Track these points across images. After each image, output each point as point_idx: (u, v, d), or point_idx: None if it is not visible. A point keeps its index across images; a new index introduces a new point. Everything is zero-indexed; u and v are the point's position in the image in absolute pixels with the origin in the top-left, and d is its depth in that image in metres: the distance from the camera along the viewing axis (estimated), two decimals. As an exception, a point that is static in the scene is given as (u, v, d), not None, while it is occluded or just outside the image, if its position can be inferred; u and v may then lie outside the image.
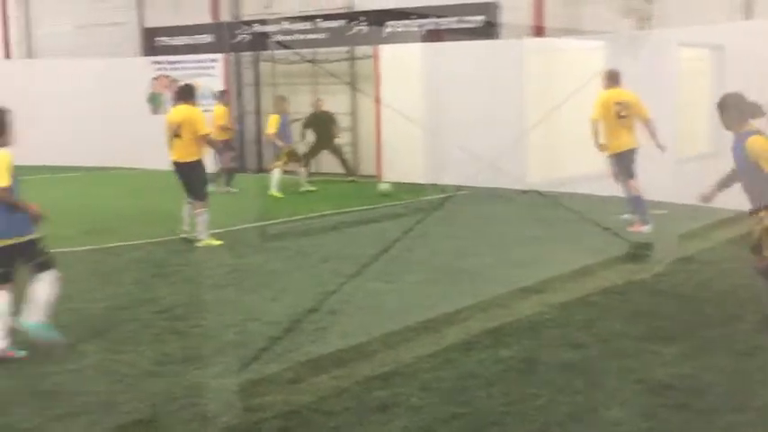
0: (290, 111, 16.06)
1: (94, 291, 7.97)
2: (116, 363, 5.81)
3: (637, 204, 10.69)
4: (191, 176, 10.24)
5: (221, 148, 14.12)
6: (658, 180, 12.07)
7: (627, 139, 10.83)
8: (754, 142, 6.42)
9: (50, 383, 5.43)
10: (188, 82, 11.57)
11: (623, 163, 10.82)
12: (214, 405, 5.11)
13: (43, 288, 6.17)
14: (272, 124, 15.50)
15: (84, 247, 10.09)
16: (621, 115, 10.74)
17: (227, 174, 15.68)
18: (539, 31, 15.69)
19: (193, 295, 7.81)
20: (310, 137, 16.94)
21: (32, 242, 6.28)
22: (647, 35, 13.87)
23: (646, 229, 10.38)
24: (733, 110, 6.62)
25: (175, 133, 10.20)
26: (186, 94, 10.49)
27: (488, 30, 15.82)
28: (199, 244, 10.08)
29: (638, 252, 9.20)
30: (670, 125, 11.93)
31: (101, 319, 6.94)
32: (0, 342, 5.98)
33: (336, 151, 17.15)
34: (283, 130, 15.49)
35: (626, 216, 10.91)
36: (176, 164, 10.27)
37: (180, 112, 10.32)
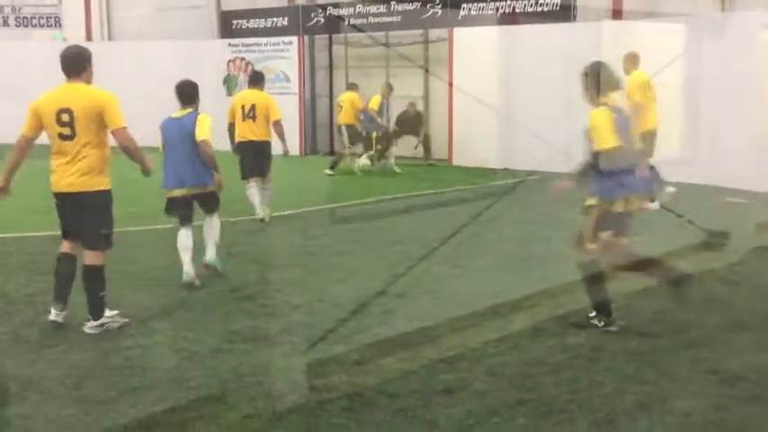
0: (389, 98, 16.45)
1: (166, 269, 8.11)
2: (185, 340, 5.92)
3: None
4: (265, 154, 10.56)
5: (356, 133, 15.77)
6: (739, 168, 11.76)
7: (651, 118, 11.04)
8: (595, 115, 6.10)
9: (122, 358, 5.56)
10: (258, 69, 11.96)
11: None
12: (280, 384, 5.17)
13: (214, 226, 7.92)
14: (374, 102, 15.99)
15: (159, 226, 10.28)
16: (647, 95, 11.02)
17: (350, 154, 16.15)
18: (616, 13, 15.36)
19: (262, 275, 7.91)
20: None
21: (212, 192, 7.78)
22: (730, 17, 13.47)
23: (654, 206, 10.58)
24: (593, 80, 6.34)
25: (248, 115, 10.48)
26: (257, 79, 11.09)
27: (565, 13, 15.55)
28: (257, 216, 10.41)
29: (714, 241, 8.95)
30: (752, 110, 11.59)
31: (171, 297, 7.07)
32: (188, 267, 7.41)
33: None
34: (380, 113, 16.08)
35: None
36: (251, 143, 10.50)
37: (253, 95, 10.70)
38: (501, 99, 15.30)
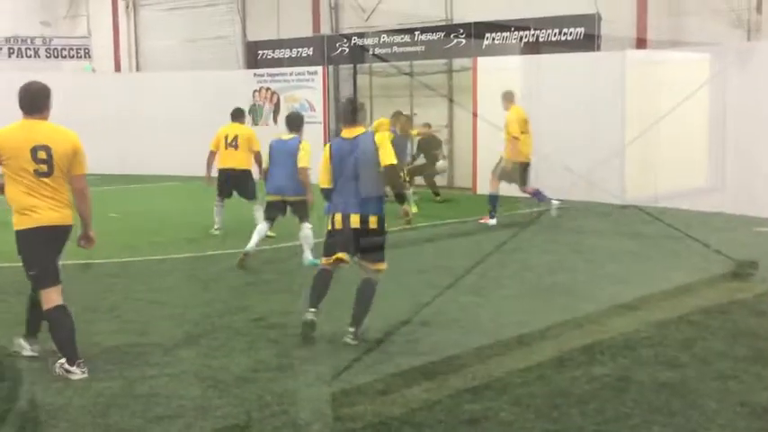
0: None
1: (192, 297, 8.17)
2: (211, 368, 5.93)
3: (493, 201, 12.86)
4: (243, 181, 11.85)
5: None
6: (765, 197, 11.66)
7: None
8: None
9: (148, 387, 5.58)
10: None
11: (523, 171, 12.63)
12: (305, 413, 5.17)
13: (307, 233, 9.53)
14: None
15: (183, 255, 10.37)
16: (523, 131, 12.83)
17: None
18: (641, 43, 15.37)
19: (286, 304, 7.93)
20: (420, 159, 16.87)
21: (303, 201, 9.47)
22: (756, 47, 13.43)
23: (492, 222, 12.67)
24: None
25: (231, 144, 11.85)
26: (238, 115, 12.41)
27: (588, 42, 15.58)
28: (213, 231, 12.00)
29: (742, 271, 8.85)
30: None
31: (197, 326, 7.10)
32: (308, 253, 9.48)
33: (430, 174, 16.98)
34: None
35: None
36: (232, 170, 11.78)
37: (236, 128, 12.09)
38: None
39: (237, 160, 11.76)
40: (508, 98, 13.20)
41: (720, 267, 8.94)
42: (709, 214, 12.93)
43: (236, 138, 11.79)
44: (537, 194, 13.07)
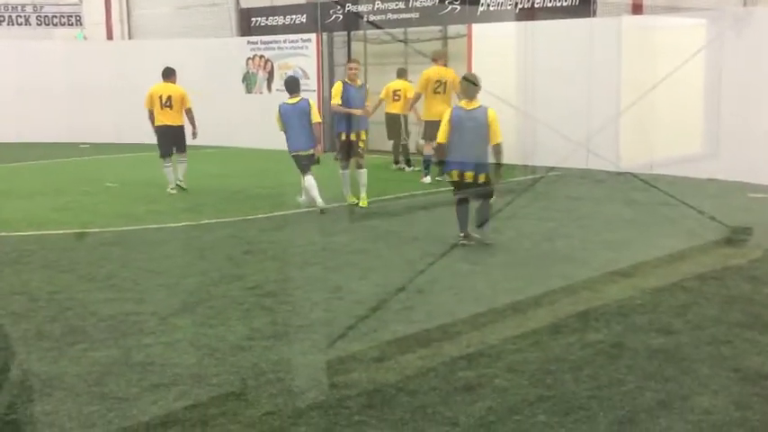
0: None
1: (188, 266, 8.18)
2: (206, 336, 5.95)
3: (427, 162, 13.81)
4: (179, 136, 13.25)
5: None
6: (762, 164, 11.65)
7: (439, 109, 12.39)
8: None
9: (143, 355, 5.60)
10: (170, 66, 13.62)
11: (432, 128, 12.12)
12: (300, 381, 5.19)
13: (311, 182, 10.80)
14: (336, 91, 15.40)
15: (180, 224, 10.36)
16: (437, 90, 13.84)
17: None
18: (636, 8, 15.26)
19: (282, 272, 7.95)
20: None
21: (313, 155, 10.97)
22: (753, 12, 13.35)
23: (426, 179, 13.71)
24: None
25: (165, 104, 13.02)
26: (168, 73, 13.38)
27: (584, 8, 15.46)
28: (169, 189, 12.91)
29: (736, 237, 8.87)
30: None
31: (193, 294, 7.11)
32: (319, 199, 10.75)
33: None
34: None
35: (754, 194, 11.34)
36: (169, 127, 13.09)
37: (168, 87, 13.20)
38: (520, 95, 15.25)
39: (173, 118, 13.14)
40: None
41: (715, 234, 8.97)
42: (703, 181, 12.94)
43: (169, 98, 13.05)
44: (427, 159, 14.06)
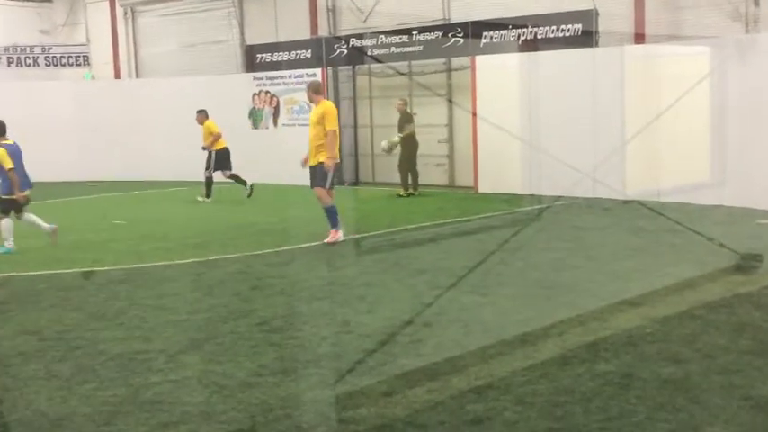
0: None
1: (196, 302, 8.18)
2: (214, 373, 5.94)
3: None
4: None
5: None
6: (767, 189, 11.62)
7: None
8: None
9: (152, 393, 5.59)
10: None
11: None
12: (308, 416, 5.17)
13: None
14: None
15: (187, 260, 10.38)
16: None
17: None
18: (639, 38, 15.36)
19: (290, 307, 7.94)
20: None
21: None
22: (755, 39, 13.42)
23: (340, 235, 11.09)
24: None
25: None
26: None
27: (586, 38, 15.57)
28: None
29: (746, 264, 8.84)
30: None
31: (201, 331, 7.10)
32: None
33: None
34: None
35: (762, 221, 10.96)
36: None
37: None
38: (525, 125, 15.32)
39: None
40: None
41: (724, 261, 8.94)
42: (710, 207, 12.92)
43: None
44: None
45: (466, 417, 5.01)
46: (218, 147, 16.74)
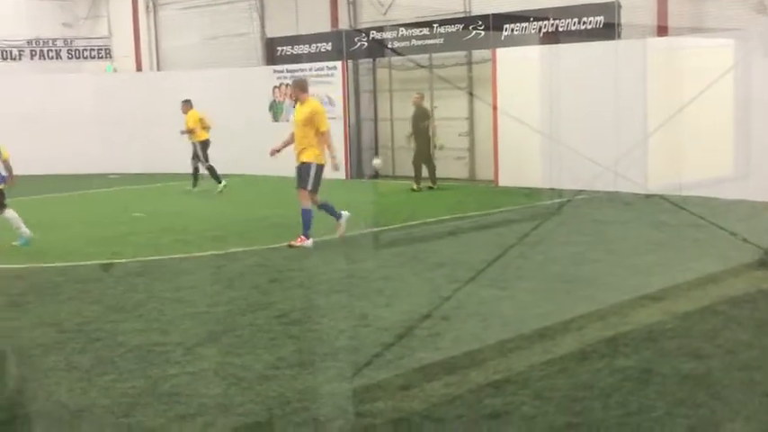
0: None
1: (215, 295, 8.20)
2: (232, 366, 5.94)
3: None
4: None
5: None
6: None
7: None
8: None
9: (170, 385, 5.60)
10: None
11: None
12: (326, 409, 5.16)
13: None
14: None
15: (207, 252, 10.41)
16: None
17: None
18: (662, 30, 15.21)
19: (308, 300, 7.94)
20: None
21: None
22: (779, 30, 13.26)
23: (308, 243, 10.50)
24: None
25: None
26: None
27: (608, 31, 15.44)
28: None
29: (768, 259, 8.74)
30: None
31: (219, 323, 7.11)
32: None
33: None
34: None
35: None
36: None
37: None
38: (546, 119, 15.22)
39: None
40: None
41: (747, 256, 8.84)
42: (733, 202, 12.79)
43: None
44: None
45: (484, 411, 4.98)
46: (202, 138, 17.00)
